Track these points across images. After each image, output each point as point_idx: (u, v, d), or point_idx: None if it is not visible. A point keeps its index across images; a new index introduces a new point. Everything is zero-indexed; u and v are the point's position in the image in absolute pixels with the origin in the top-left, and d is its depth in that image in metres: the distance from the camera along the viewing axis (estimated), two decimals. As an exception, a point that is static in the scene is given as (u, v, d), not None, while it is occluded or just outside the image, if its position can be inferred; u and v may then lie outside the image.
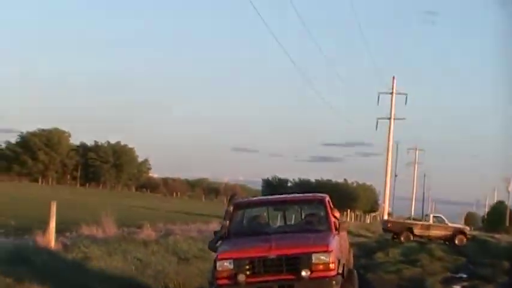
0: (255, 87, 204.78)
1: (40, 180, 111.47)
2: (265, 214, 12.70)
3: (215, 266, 10.59)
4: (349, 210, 78.00)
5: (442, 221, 48.81)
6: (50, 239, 17.47)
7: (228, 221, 12.01)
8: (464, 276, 25.61)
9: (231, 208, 12.15)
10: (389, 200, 71.36)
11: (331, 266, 10.42)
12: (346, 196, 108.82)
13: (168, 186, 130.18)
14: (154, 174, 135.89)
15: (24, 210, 32.53)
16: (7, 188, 68.53)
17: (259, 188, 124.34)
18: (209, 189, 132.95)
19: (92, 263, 16.62)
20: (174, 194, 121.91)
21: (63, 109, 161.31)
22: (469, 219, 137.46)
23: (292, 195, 16.08)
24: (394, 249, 35.00)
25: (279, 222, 13.07)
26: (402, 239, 46.22)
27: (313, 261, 10.36)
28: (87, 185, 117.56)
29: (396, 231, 48.05)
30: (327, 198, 12.48)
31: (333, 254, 10.49)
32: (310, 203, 13.22)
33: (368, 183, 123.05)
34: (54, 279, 14.05)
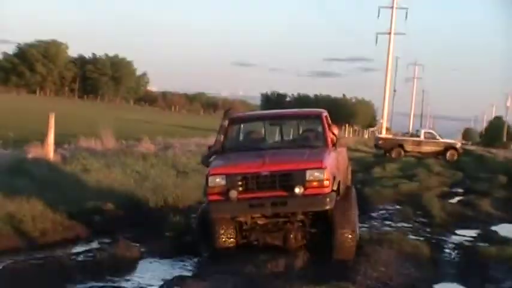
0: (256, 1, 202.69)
1: (38, 91, 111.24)
2: (261, 129, 12.39)
3: (207, 182, 10.32)
4: (347, 125, 78.16)
5: (433, 137, 48.87)
6: (49, 150, 17.48)
7: (222, 136, 11.73)
8: (461, 190, 25.87)
9: (226, 122, 11.84)
10: (387, 115, 71.43)
11: (326, 183, 10.11)
12: (344, 111, 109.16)
13: (166, 100, 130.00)
14: (153, 88, 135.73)
15: (22, 122, 32.49)
16: (5, 99, 68.41)
17: (259, 103, 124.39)
18: (208, 104, 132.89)
19: (91, 175, 16.68)
20: (173, 107, 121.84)
21: (60, 22, 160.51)
22: (467, 134, 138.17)
23: (290, 110, 15.84)
24: (391, 164, 35.20)
25: (275, 138, 12.64)
26: (393, 155, 46.37)
27: (307, 177, 10.07)
28: (85, 97, 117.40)
29: (387, 147, 48.14)
30: (325, 113, 12.11)
31: (327, 171, 10.17)
32: (307, 118, 12.83)
33: (367, 98, 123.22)
34: (52, 191, 14.11)
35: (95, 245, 11.64)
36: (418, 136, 48.96)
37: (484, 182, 28.53)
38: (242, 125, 12.26)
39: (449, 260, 12.17)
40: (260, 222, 10.81)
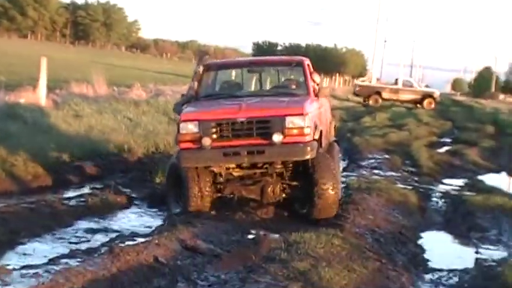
0: None
1: (29, 36, 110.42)
2: (239, 77, 11.73)
3: (178, 129, 9.59)
4: (337, 75, 78.00)
5: (411, 85, 49.39)
6: (41, 95, 17.42)
7: (196, 83, 10.97)
8: (449, 140, 25.97)
9: (201, 69, 11.06)
10: (378, 65, 71.38)
11: (306, 130, 9.38)
12: (335, 61, 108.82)
13: (158, 47, 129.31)
14: (145, 35, 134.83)
15: (13, 66, 32.25)
16: (-4, 45, 67.78)
17: (251, 51, 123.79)
18: (199, 52, 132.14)
19: (83, 121, 16.64)
20: (164, 55, 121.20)
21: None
22: (456, 85, 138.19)
23: (269, 57, 15.17)
24: (381, 114, 35.20)
25: (254, 86, 12.00)
26: (371, 102, 47.26)
27: (287, 125, 9.32)
28: (77, 43, 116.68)
29: (365, 95, 48.84)
30: (306, 61, 11.28)
31: (308, 118, 9.45)
32: (287, 65, 11.98)
33: (357, 48, 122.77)
34: (44, 136, 14.10)
35: (86, 190, 11.64)
36: (400, 85, 49.19)
37: (472, 132, 28.63)
38: (218, 72, 11.55)
39: (436, 209, 12.25)
40: (235, 173, 10.02)
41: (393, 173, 15.47)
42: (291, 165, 9.94)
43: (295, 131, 9.35)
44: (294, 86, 10.97)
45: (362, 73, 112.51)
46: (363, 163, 16.97)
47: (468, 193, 13.29)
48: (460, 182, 15.29)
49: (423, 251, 9.24)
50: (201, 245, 8.13)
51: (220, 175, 9.98)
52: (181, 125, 9.52)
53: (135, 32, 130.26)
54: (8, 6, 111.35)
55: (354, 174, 14.88)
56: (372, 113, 36.21)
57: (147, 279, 6.98)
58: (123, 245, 7.81)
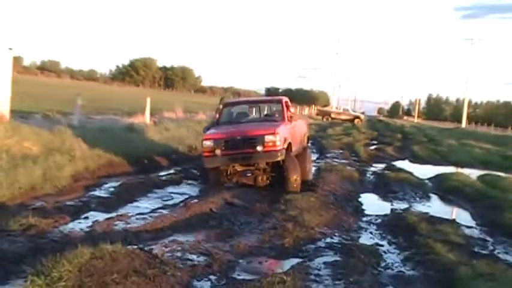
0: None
1: (140, 85, 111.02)
2: (244, 110, 10.92)
3: (202, 144, 9.15)
4: (313, 105, 77.60)
5: (348, 111, 50.39)
6: (146, 118, 17.46)
7: (217, 115, 10.40)
8: (376, 142, 25.78)
9: (221, 106, 10.49)
10: (336, 100, 70.99)
11: (278, 143, 8.91)
12: (312, 97, 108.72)
13: (212, 90, 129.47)
14: (204, 83, 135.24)
15: (131, 102, 32.37)
16: (122, 90, 68.16)
17: (264, 92, 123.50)
18: (234, 93, 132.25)
19: (169, 132, 16.66)
20: (215, 95, 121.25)
21: (150, 41, 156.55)
22: (380, 110, 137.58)
23: (263, 97, 14.49)
24: (337, 128, 35.01)
25: (254, 116, 11.00)
26: (324, 120, 47.75)
27: (265, 140, 8.91)
28: (166, 89, 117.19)
29: (322, 115, 49.66)
30: (284, 99, 10.53)
31: (279, 136, 8.93)
32: (272, 102, 11.31)
33: (324, 90, 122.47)
34: (149, 141, 14.16)
35: (172, 171, 11.64)
36: (341, 110, 50.53)
37: (389, 137, 28.40)
38: (231, 107, 10.83)
39: (369, 180, 12.16)
40: (238, 169, 9.48)
41: (344, 161, 15.38)
42: (270, 164, 9.34)
43: (270, 144, 8.93)
44: (276, 115, 10.37)
45: (327, 104, 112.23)
46: (328, 155, 16.90)
47: (387, 171, 13.19)
48: (382, 165, 15.16)
49: (361, 204, 9.19)
50: (236, 201, 8.11)
51: (229, 171, 9.48)
52: (204, 142, 9.11)
53: (199, 82, 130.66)
54: (129, 69, 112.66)
55: (323, 161, 14.80)
56: (332, 127, 36.03)
57: (206, 221, 6.98)
58: (192, 201, 7.77)
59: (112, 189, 8.54)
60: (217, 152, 8.95)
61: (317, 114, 51.12)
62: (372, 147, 21.67)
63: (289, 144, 9.42)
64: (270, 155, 8.95)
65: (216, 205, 7.62)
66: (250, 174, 9.47)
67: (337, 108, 55.24)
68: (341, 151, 18.35)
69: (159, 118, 19.80)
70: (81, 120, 14.47)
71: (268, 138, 8.94)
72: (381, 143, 24.78)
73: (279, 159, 9.00)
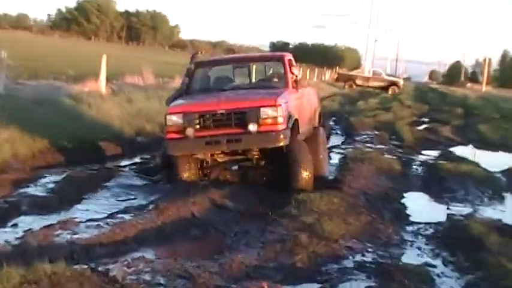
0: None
1: (93, 38, 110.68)
2: (226, 73, 10.54)
3: (165, 121, 8.71)
4: (337, 67, 77.55)
5: (380, 75, 49.95)
6: (101, 85, 17.44)
7: (187, 79, 10.01)
8: (427, 120, 25.77)
9: (192, 66, 10.09)
10: (370, 60, 70.88)
11: (279, 120, 8.49)
12: (335, 57, 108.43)
13: (194, 46, 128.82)
14: (183, 36, 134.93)
15: (80, 63, 32.29)
16: (67, 44, 67.96)
17: (268, 49, 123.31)
18: (228, 50, 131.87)
19: (134, 105, 16.66)
20: (199, 52, 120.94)
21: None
22: (433, 75, 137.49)
23: (254, 53, 14.16)
24: (372, 99, 35.04)
25: (243, 81, 10.62)
26: (346, 87, 47.78)
27: (261, 115, 8.45)
28: (130, 43, 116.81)
29: (343, 81, 49.56)
30: (287, 56, 10.22)
31: (281, 109, 8.53)
32: (270, 61, 10.91)
33: (353, 47, 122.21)
34: (104, 116, 14.18)
35: (137, 159, 11.65)
36: (370, 74, 49.97)
37: (445, 113, 28.40)
38: (208, 69, 10.40)
39: (415, 174, 12.16)
40: (220, 159, 9.18)
41: (382, 146, 15.38)
42: (268, 152, 8.97)
43: (269, 121, 8.47)
44: (276, 79, 9.92)
45: (357, 66, 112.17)
46: (358, 138, 16.91)
47: (441, 161, 13.19)
48: (435, 153, 15.15)
49: (405, 207, 9.18)
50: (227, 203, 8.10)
51: (207, 162, 9.14)
52: (168, 117, 8.63)
53: (176, 34, 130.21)
54: (76, 15, 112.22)
55: (350, 146, 14.80)
56: (364, 98, 36.04)
57: (185, 230, 6.99)
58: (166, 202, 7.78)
59: (52, 185, 8.55)
60: (189, 132, 8.51)
61: (336, 80, 51.37)
62: (421, 127, 21.68)
63: (296, 122, 9.09)
64: (268, 137, 8.53)
65: (200, 208, 7.63)
66: (237, 168, 9.21)
67: (362, 71, 54.88)
68: (376, 133, 18.33)
69: (119, 85, 19.80)
70: (8, 86, 14.46)
71: (265, 112, 8.51)
72: (433, 121, 24.76)
73: (281, 144, 8.60)
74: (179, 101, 9.20)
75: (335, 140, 17.21)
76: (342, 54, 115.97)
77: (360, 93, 43.85)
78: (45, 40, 74.00)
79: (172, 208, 7.42)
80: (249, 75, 10.62)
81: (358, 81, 48.76)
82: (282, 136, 8.52)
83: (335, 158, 12.94)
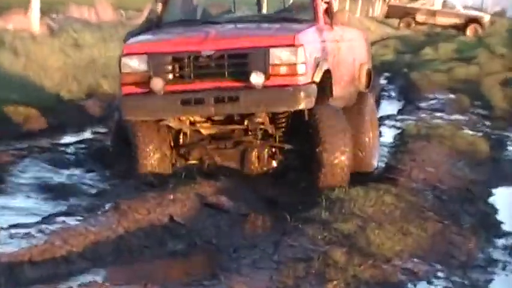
0: None
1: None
2: (231, 3, 10.17)
3: (120, 67, 8.27)
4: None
5: (453, 7, 49.24)
6: (33, 21, 17.42)
7: (160, 4, 9.33)
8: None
9: None
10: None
11: (300, 68, 8.02)
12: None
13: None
14: None
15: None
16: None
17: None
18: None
19: (84, 52, 16.66)
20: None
21: None
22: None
23: None
24: (446, 45, 34.85)
25: (250, 12, 10.14)
26: (402, 25, 48.34)
27: (271, 60, 7.94)
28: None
29: (398, 17, 49.64)
30: None
31: (303, 51, 8.05)
32: None
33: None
34: (39, 70, 14.20)
35: (87, 134, 11.69)
36: (438, 7, 49.17)
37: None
38: None
39: (511, 160, 12.15)
40: (205, 131, 8.69)
41: (459, 117, 15.37)
42: (282, 119, 8.64)
43: (283, 69, 8.05)
44: (296, 10, 9.56)
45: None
46: (423, 104, 16.91)
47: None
48: (541, 127, 15.14)
49: (495, 210, 9.18)
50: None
51: (185, 134, 8.73)
52: (123, 60, 8.23)
53: None
54: None
55: (412, 117, 14.81)
56: (434, 43, 35.86)
57: (160, 241, 7.01)
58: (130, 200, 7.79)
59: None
60: (156, 85, 7.98)
61: (387, 16, 50.90)
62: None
63: (328, 76, 8.74)
64: (281, 95, 8.10)
65: (182, 208, 7.66)
66: (231, 146, 8.79)
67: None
68: (452, 96, 18.32)
69: (61, 21, 19.79)
70: None
71: (277, 54, 8.07)
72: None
73: (301, 107, 8.19)
74: (142, 37, 8.79)
75: (388, 107, 17.23)
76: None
77: (427, 36, 43.70)
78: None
79: (140, 209, 7.43)
80: (258, 3, 10.23)
81: (420, 17, 48.23)
82: (302, 94, 8.11)
83: (388, 135, 12.94)
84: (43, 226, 7.04)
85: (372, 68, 11.36)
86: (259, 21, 9.33)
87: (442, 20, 47.62)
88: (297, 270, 6.38)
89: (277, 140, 8.74)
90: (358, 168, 9.20)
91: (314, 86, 8.24)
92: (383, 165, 10.48)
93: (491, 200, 9.68)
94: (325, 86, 8.61)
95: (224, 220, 7.70)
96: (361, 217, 7.65)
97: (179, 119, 8.48)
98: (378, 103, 18.08)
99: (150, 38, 8.70)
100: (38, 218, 7.36)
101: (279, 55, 8.01)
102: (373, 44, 35.16)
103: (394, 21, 50.03)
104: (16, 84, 12.92)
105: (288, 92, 8.01)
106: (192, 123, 8.63)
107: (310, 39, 8.44)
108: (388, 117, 15.05)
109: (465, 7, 54.03)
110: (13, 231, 6.87)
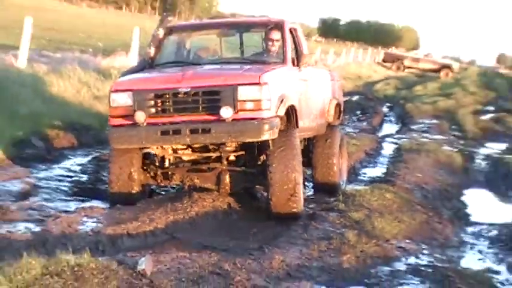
0: None
1: (124, 8, 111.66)
2: (207, 42, 8.87)
3: (109, 101, 7.25)
4: (393, 47, 77.02)
5: (431, 56, 50.48)
6: (132, 59, 17.59)
7: (153, 49, 8.25)
8: (492, 108, 25.37)
9: (161, 32, 8.34)
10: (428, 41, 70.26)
11: (265, 104, 6.95)
12: (391, 36, 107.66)
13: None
14: (222, 9, 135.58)
15: (109, 34, 32.60)
16: (96, 14, 68.69)
17: (317, 26, 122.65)
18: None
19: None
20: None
21: None
22: (501, 59, 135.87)
23: (245, 18, 11.87)
24: (432, 84, 34.71)
25: (232, 54, 8.84)
26: (394, 68, 48.13)
27: (239, 96, 6.92)
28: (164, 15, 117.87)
29: (391, 61, 49.93)
30: (289, 24, 8.34)
31: (267, 89, 6.97)
32: (263, 28, 8.45)
33: (412, 26, 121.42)
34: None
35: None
36: (421, 56, 50.28)
37: (514, 102, 27.92)
38: (184, 37, 8.66)
39: (478, 169, 12.05)
40: (186, 157, 7.69)
41: (440, 137, 15.27)
42: (250, 148, 7.49)
43: (249, 105, 6.96)
44: (268, 52, 8.18)
45: (415, 46, 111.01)
46: (414, 127, 16.86)
47: (508, 156, 12.99)
48: (501, 146, 14.96)
49: (466, 206, 9.15)
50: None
51: (168, 160, 7.69)
52: (112, 96, 7.19)
53: (215, 6, 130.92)
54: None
55: (406, 136, 14.74)
56: (423, 82, 35.69)
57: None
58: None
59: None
60: (139, 117, 6.97)
61: (383, 61, 51.48)
62: (486, 117, 21.36)
63: (292, 110, 7.53)
64: (247, 127, 6.93)
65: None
66: (208, 170, 7.65)
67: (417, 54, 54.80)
68: (435, 121, 18.21)
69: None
70: (33, 58, 14.64)
71: (244, 92, 6.97)
72: (500, 109, 24.34)
73: (264, 137, 6.98)
74: (130, 76, 7.78)
75: (389, 128, 17.12)
76: (398, 34, 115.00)
77: (418, 77, 43.44)
78: (72, 9, 74.94)
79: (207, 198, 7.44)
80: (241, 47, 8.76)
81: (407, 62, 49.03)
82: (267, 126, 6.91)
83: (388, 149, 12.89)
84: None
85: (344, 103, 9.98)
86: (235, 63, 8.03)
87: (423, 65, 48.18)
88: (320, 246, 6.40)
89: (246, 165, 7.59)
90: (326, 186, 8.57)
91: (278, 120, 7.09)
92: (385, 171, 10.46)
93: (463, 198, 9.66)
94: (291, 118, 7.55)
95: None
96: (368, 208, 7.68)
97: (162, 147, 7.51)
98: (381, 125, 18.05)
99: (136, 76, 7.69)
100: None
101: (246, 92, 6.97)
102: (378, 82, 35.14)
103: (390, 66, 50.62)
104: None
105: (254, 124, 6.89)
106: (175, 151, 7.62)
107: (275, 79, 7.28)
108: (389, 135, 15.00)
109: (444, 57, 54.94)
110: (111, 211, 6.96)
